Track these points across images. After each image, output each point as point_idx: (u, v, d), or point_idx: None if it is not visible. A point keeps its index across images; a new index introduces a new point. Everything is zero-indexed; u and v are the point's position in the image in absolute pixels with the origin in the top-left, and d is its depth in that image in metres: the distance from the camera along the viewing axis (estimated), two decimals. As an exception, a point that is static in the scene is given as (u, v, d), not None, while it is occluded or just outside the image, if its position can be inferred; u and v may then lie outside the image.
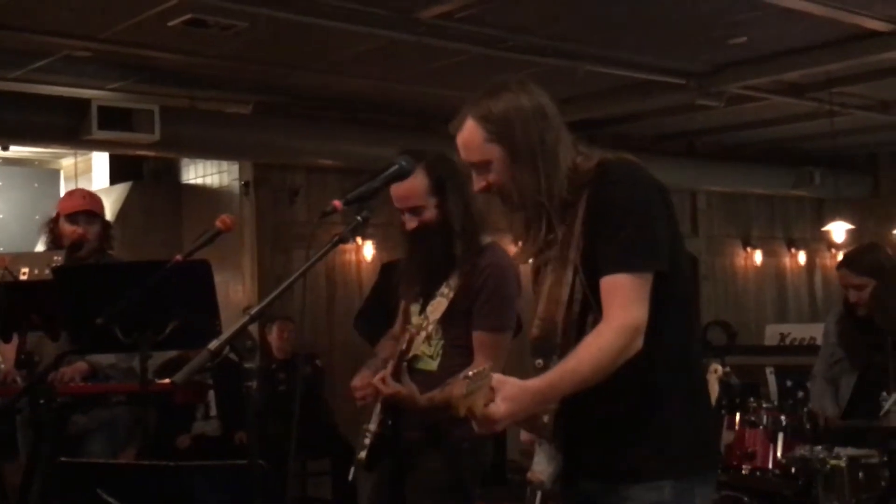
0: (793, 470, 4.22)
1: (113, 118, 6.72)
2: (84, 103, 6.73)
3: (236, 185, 8.35)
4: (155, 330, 3.27)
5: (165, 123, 6.92)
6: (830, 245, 11.87)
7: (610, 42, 6.73)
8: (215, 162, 8.56)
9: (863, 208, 11.43)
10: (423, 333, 3.10)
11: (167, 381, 3.98)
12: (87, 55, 6.56)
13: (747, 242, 11.61)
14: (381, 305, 4.44)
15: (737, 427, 4.54)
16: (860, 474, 4.01)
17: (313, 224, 8.02)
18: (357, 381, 3.19)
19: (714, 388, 4.02)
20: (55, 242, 4.25)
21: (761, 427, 4.47)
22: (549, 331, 2.22)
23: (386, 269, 5.79)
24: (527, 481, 2.26)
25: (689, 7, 6.05)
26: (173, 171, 9.01)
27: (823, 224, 10.76)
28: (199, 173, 8.81)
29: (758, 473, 4.41)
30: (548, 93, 2.31)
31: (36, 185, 9.45)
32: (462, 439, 3.03)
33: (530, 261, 2.37)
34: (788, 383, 5.65)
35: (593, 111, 8.17)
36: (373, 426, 3.13)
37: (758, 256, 11.64)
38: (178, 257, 3.18)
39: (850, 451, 4.09)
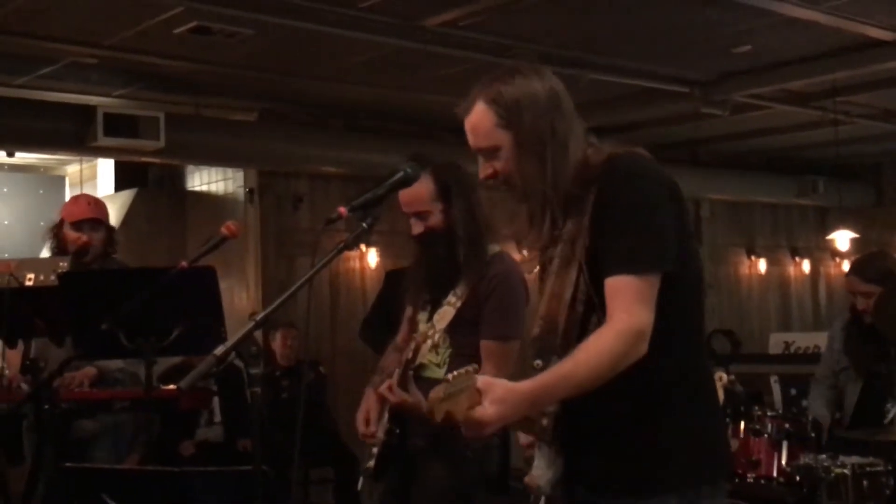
0: (797, 478, 4.21)
1: (118, 125, 6.74)
2: (90, 110, 6.75)
3: (241, 192, 8.36)
4: (160, 336, 3.28)
5: (171, 130, 6.94)
6: (834, 254, 11.86)
7: (614, 50, 6.74)
8: (220, 169, 8.57)
9: (867, 217, 11.41)
10: (430, 342, 3.10)
11: (172, 387, 3.99)
12: (92, 62, 6.58)
13: (751, 251, 11.61)
14: (386, 313, 4.45)
15: (741, 435, 4.54)
16: (864, 482, 4.00)
17: (317, 231, 7.99)
18: (362, 415, 3.17)
19: (719, 397, 4.01)
20: (60, 248, 4.26)
21: (766, 435, 4.47)
22: (549, 330, 2.15)
23: (391, 277, 5.80)
24: (524, 485, 2.22)
25: (693, 16, 6.06)
26: (178, 177, 9.03)
27: (827, 233, 10.75)
28: (204, 180, 8.83)
29: (762, 481, 4.40)
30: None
31: (41, 191, 9.47)
32: (465, 447, 3.03)
33: (536, 269, 2.32)
34: (793, 392, 5.65)
35: (597, 119, 8.11)
36: (380, 434, 3.13)
37: (762, 265, 11.63)
38: (184, 263, 3.19)
39: (855, 459, 4.08)
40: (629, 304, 2.02)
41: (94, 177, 9.31)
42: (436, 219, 3.08)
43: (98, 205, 4.36)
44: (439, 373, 3.09)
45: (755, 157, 10.99)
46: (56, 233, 4.29)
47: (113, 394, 3.98)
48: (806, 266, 12.06)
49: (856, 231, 10.01)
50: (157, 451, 4.44)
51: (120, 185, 8.95)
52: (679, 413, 2.11)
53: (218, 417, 6.77)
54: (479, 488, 3.14)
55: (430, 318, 3.14)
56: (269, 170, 8.24)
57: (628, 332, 2.01)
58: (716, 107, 7.95)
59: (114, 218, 4.57)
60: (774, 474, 4.37)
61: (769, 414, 4.62)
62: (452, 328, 3.07)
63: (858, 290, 4.48)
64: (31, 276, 3.79)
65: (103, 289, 3.50)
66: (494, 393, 1.95)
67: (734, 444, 4.52)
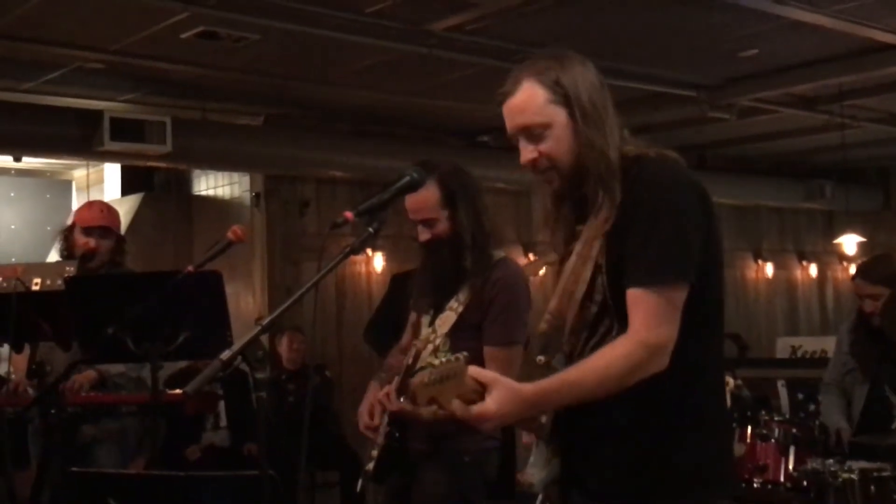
0: (804, 483, 4.20)
1: (125, 129, 6.76)
2: (96, 115, 6.77)
3: (247, 196, 8.38)
4: (166, 340, 3.28)
5: (177, 135, 6.95)
6: (842, 258, 11.84)
7: (620, 54, 6.73)
8: (226, 173, 8.59)
9: (874, 221, 11.39)
10: (431, 346, 3.11)
11: (178, 391, 3.99)
12: (99, 67, 6.59)
13: (758, 255, 11.59)
14: (391, 317, 4.45)
15: (748, 440, 4.53)
16: (872, 487, 3.99)
17: (324, 235, 8.03)
18: (365, 409, 3.18)
19: (727, 410, 4.00)
20: (68, 251, 4.27)
21: (773, 440, 4.46)
22: (557, 327, 2.11)
23: (396, 281, 5.80)
24: (516, 481, 2.20)
25: (700, 20, 6.05)
26: (184, 182, 9.05)
27: (834, 237, 10.73)
28: (210, 185, 8.84)
29: (769, 486, 4.39)
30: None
31: (48, 196, 9.50)
32: (464, 452, 3.04)
33: (541, 272, 2.31)
34: (800, 396, 5.63)
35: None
36: (380, 438, 3.13)
37: (769, 269, 11.61)
38: (190, 268, 3.19)
39: (862, 464, 4.07)
40: (651, 318, 1.96)
41: (100, 181, 9.33)
42: (442, 226, 3.07)
43: (111, 213, 4.36)
44: None
45: (762, 161, 10.98)
46: (66, 236, 4.31)
47: (119, 398, 3.98)
48: (813, 270, 12.04)
49: (863, 235, 9.99)
50: (162, 456, 4.44)
51: (126, 190, 8.97)
52: (685, 426, 2.06)
53: (224, 422, 6.77)
54: (478, 493, 3.14)
55: (431, 323, 3.15)
56: (276, 174, 8.25)
57: (648, 346, 1.96)
58: (722, 111, 7.94)
59: (120, 222, 4.57)
60: (781, 479, 4.37)
61: (776, 418, 4.62)
62: (454, 332, 3.07)
63: (865, 293, 4.47)
64: (38, 280, 3.80)
65: (110, 293, 3.50)
66: (499, 391, 1.91)
67: (741, 448, 4.52)
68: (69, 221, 4.40)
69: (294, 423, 6.58)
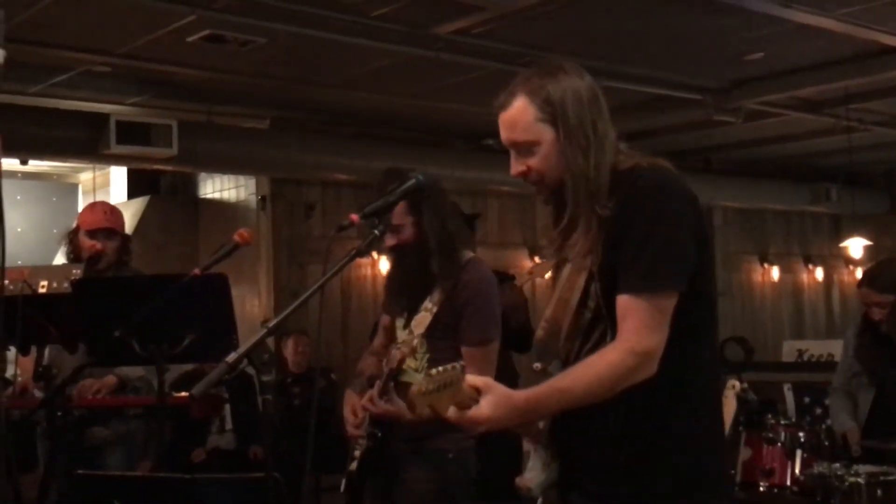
0: (811, 487, 4.19)
1: (131, 133, 6.77)
2: (102, 118, 6.78)
3: (253, 199, 8.39)
4: (172, 343, 3.28)
5: (183, 138, 6.96)
6: (848, 261, 11.82)
7: (627, 58, 6.73)
8: (232, 176, 8.60)
9: (880, 224, 11.37)
10: (408, 347, 3.15)
11: (184, 394, 3.99)
12: (106, 70, 6.61)
13: (764, 258, 11.58)
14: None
15: (755, 444, 4.52)
16: (879, 491, 3.98)
17: (329, 238, 8.03)
18: (348, 411, 3.27)
19: (732, 405, 4.00)
20: (75, 254, 4.28)
21: (779, 444, 4.46)
22: (552, 334, 2.15)
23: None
24: (515, 486, 2.21)
25: (705, 23, 6.05)
26: (190, 185, 9.06)
27: (841, 240, 10.71)
28: (217, 188, 8.86)
29: (776, 490, 4.38)
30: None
31: (54, 199, 9.51)
32: (447, 450, 3.10)
33: (547, 275, 2.32)
34: (806, 400, 5.62)
35: (609, 127, 8.17)
36: (362, 439, 3.21)
37: (775, 272, 11.60)
38: (196, 271, 3.19)
39: (869, 468, 4.06)
40: (640, 325, 2.00)
41: (106, 184, 9.34)
42: (408, 232, 3.11)
43: (114, 214, 4.38)
44: (418, 377, 3.12)
45: (768, 164, 10.96)
46: (72, 238, 4.32)
47: (125, 401, 3.99)
48: (819, 273, 12.02)
49: (869, 238, 9.98)
50: (168, 459, 4.44)
51: (133, 193, 8.98)
52: (680, 429, 2.08)
53: (229, 425, 6.77)
54: (463, 490, 3.18)
55: (406, 326, 3.21)
56: (281, 177, 8.26)
57: (636, 353, 1.99)
58: (729, 114, 7.93)
59: (126, 225, 4.58)
60: (788, 483, 4.36)
61: (783, 422, 4.61)
62: (430, 333, 3.13)
63: (873, 302, 4.44)
64: (45, 283, 3.80)
65: (116, 296, 3.50)
66: (492, 396, 1.95)
67: (748, 452, 4.51)
68: (73, 225, 4.41)
69: (299, 426, 6.57)
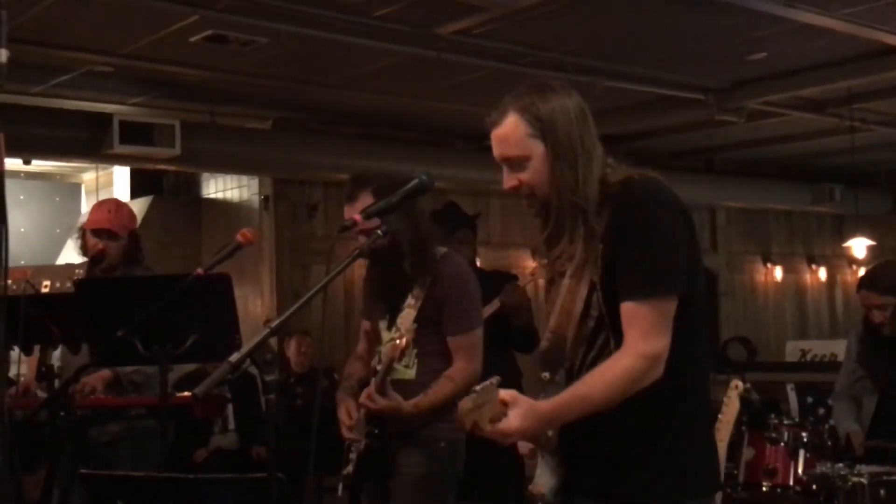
0: (814, 487, 4.19)
1: (134, 133, 6.77)
2: (105, 118, 6.78)
3: (256, 199, 8.39)
4: (175, 343, 3.28)
5: (186, 138, 6.97)
6: (851, 261, 11.81)
7: (629, 58, 6.73)
8: (235, 176, 8.61)
9: (883, 224, 11.36)
10: (395, 344, 3.18)
11: (187, 394, 3.99)
12: (108, 70, 6.61)
13: (767, 258, 11.57)
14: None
15: (758, 443, 4.52)
16: (882, 491, 3.97)
17: (332, 238, 8.05)
18: (343, 413, 3.33)
19: (735, 405, 3.99)
20: (83, 250, 4.25)
21: (782, 444, 4.45)
22: (557, 344, 2.23)
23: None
24: (527, 494, 2.26)
25: (707, 23, 6.04)
26: (193, 185, 9.07)
27: (844, 240, 10.70)
28: (219, 188, 8.86)
29: (779, 490, 4.38)
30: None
31: (57, 198, 9.53)
32: (439, 438, 3.21)
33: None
34: (809, 400, 5.62)
35: (611, 127, 8.16)
36: (359, 437, 3.25)
37: (778, 272, 11.59)
38: (199, 271, 3.20)
39: (872, 468, 4.06)
40: (646, 330, 2.10)
41: (109, 184, 9.35)
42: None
43: (119, 213, 4.26)
44: (409, 373, 3.27)
45: (771, 164, 10.96)
46: (81, 234, 4.29)
47: (128, 401, 3.99)
48: (822, 274, 12.01)
49: (872, 238, 9.97)
50: (171, 459, 4.44)
51: (135, 193, 8.99)
52: (675, 432, 2.17)
53: (232, 425, 6.78)
54: (450, 482, 3.29)
55: (391, 326, 3.26)
56: (284, 177, 8.27)
57: (646, 357, 2.09)
58: (731, 114, 7.92)
59: (131, 225, 4.55)
60: (791, 483, 4.36)
61: (786, 422, 4.60)
62: (416, 329, 3.17)
63: (873, 304, 4.42)
64: (48, 283, 3.81)
65: (119, 296, 3.50)
66: (520, 408, 2.07)
67: (751, 452, 4.51)
68: (78, 224, 4.39)
69: (302, 426, 6.58)
